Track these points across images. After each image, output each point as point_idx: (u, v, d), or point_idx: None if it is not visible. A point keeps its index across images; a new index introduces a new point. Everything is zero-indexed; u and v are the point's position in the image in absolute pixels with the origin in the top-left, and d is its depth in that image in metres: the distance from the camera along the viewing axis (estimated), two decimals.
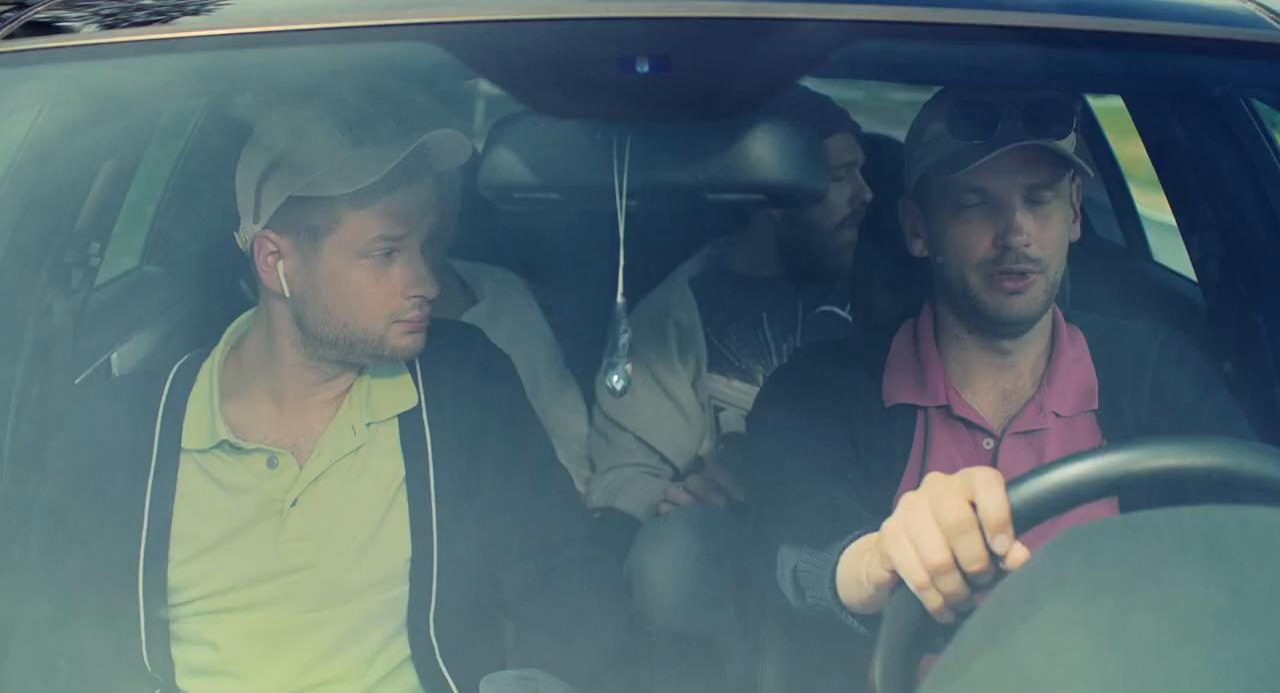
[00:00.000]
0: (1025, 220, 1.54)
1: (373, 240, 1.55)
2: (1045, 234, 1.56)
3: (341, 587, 1.59)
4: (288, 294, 1.57)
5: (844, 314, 2.22)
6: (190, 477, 1.60)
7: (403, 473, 1.62)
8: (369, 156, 1.52)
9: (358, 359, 1.61)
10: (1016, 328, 1.60)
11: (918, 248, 1.66)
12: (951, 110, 1.57)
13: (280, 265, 1.57)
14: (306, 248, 1.56)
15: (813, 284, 2.25)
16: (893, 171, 2.74)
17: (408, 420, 1.65)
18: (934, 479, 1.09)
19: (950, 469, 1.10)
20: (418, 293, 1.58)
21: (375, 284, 1.56)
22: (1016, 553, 1.02)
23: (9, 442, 1.69)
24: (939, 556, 1.04)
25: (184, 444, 1.61)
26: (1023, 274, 1.55)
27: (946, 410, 1.63)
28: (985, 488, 1.04)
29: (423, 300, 1.59)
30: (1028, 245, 1.54)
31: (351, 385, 1.64)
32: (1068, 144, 1.57)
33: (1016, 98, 1.56)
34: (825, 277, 2.22)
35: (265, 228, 1.56)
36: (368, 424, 1.63)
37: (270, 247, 1.57)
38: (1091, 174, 1.63)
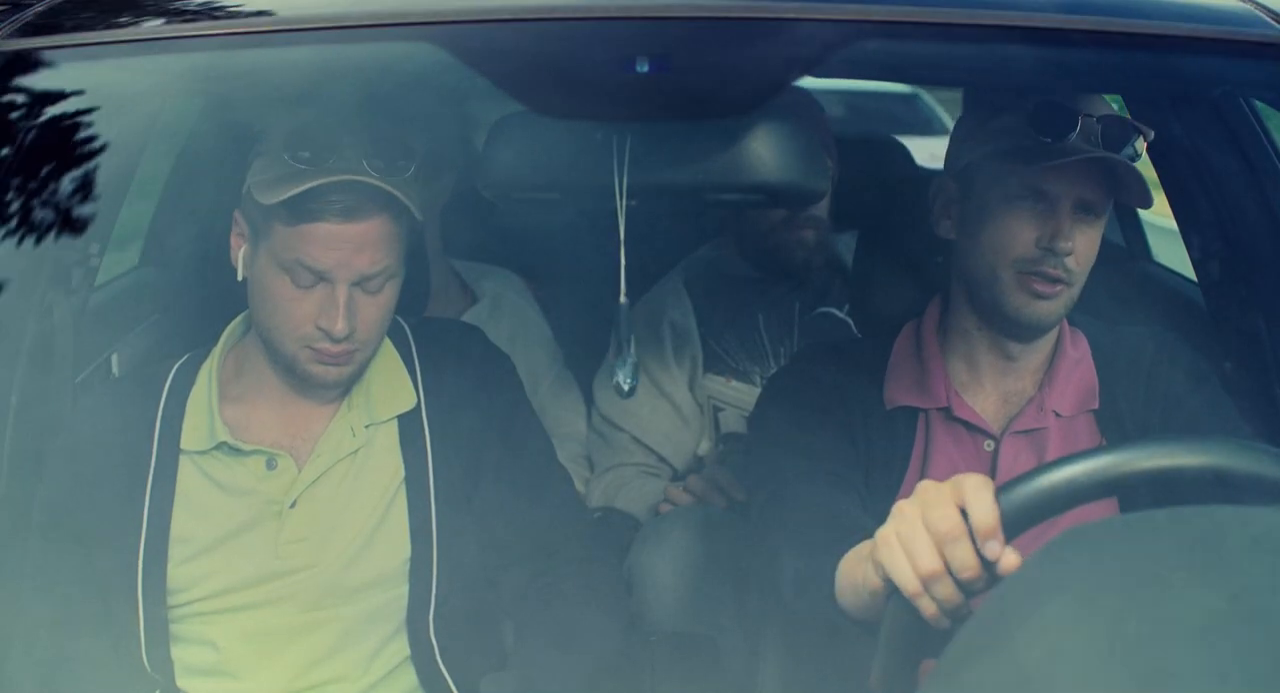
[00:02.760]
0: (1073, 230, 1.54)
1: (292, 260, 1.52)
2: (1084, 250, 1.56)
3: (341, 587, 1.59)
4: (240, 277, 1.59)
5: (842, 316, 2.22)
6: (189, 478, 1.60)
7: (402, 474, 1.62)
8: (298, 174, 1.50)
9: (284, 367, 1.59)
10: (1029, 332, 1.60)
11: (944, 229, 1.65)
12: (1035, 104, 1.55)
13: (241, 251, 1.59)
14: (252, 240, 1.57)
15: (808, 285, 2.25)
16: (891, 171, 2.75)
17: (407, 421, 1.64)
18: (925, 487, 1.10)
19: (951, 471, 1.11)
20: (322, 324, 1.53)
21: (290, 302, 1.54)
22: (1008, 559, 1.03)
23: (9, 442, 1.69)
24: (930, 563, 1.05)
25: (183, 446, 1.61)
26: (1055, 281, 1.55)
27: (947, 412, 1.63)
28: (974, 494, 1.04)
29: (326, 335, 1.53)
30: (1070, 255, 1.54)
31: (352, 386, 1.64)
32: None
33: (1093, 108, 1.55)
34: (789, 275, 2.23)
35: (240, 207, 1.58)
36: (367, 426, 1.63)
37: (237, 228, 1.59)
38: (1152, 202, 1.63)
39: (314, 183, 1.48)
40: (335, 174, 1.49)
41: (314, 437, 1.62)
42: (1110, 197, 1.57)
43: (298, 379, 1.60)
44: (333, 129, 1.53)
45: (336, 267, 1.52)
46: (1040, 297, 1.55)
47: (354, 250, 1.52)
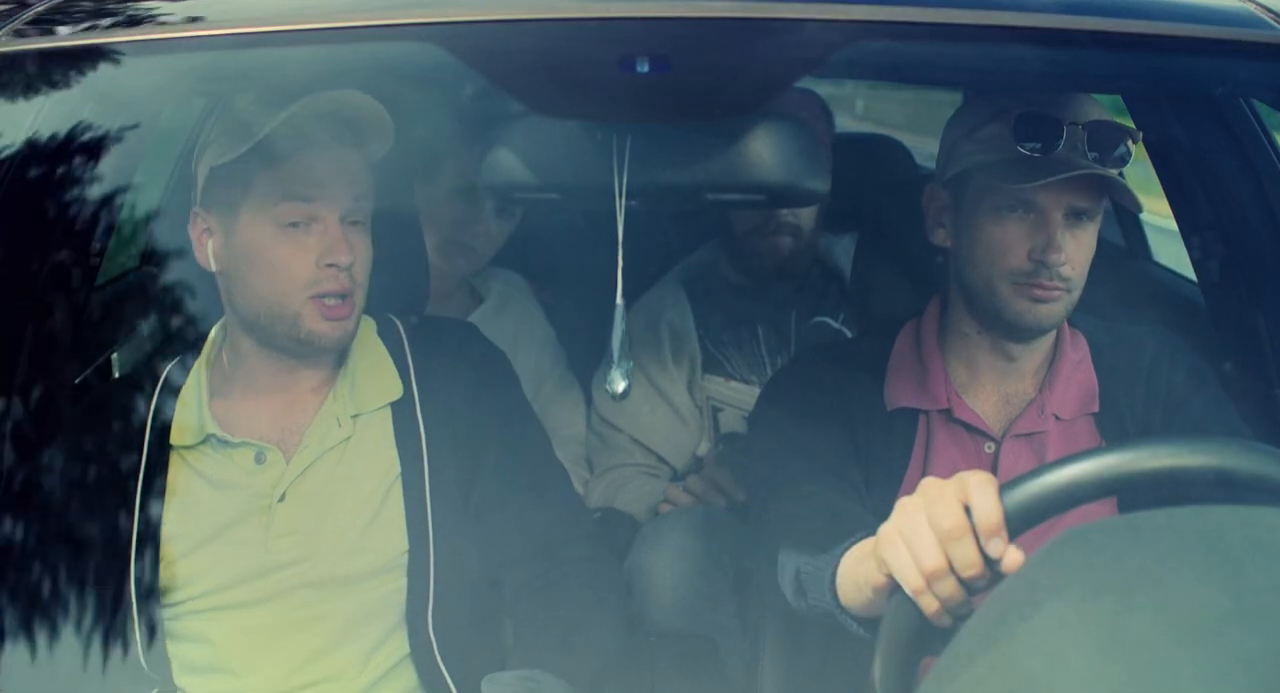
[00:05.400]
0: (1065, 240, 1.54)
1: (281, 201, 1.54)
2: (1079, 255, 1.56)
3: (334, 581, 1.59)
4: (215, 270, 1.59)
5: (837, 325, 2.23)
6: (180, 474, 1.60)
7: (397, 468, 1.62)
8: (270, 115, 1.53)
9: (281, 342, 1.60)
10: (1030, 335, 1.60)
11: (939, 237, 1.65)
12: (1018, 116, 1.55)
13: (210, 243, 1.58)
14: (229, 221, 1.57)
15: (805, 293, 2.25)
16: (891, 171, 2.74)
17: (400, 415, 1.64)
18: (929, 484, 1.10)
19: (951, 472, 1.11)
20: (330, 261, 1.55)
21: (291, 256, 1.55)
22: (1011, 557, 1.03)
23: (8, 442, 1.69)
24: (934, 561, 1.05)
25: (173, 441, 1.61)
26: (1051, 290, 1.55)
27: (947, 414, 1.63)
28: (978, 492, 1.04)
29: (337, 271, 1.56)
30: (1063, 265, 1.54)
31: (336, 378, 1.64)
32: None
33: (1080, 113, 1.55)
34: (770, 280, 2.23)
35: (198, 206, 1.58)
36: (353, 416, 1.63)
37: (202, 224, 1.59)
38: (1142, 208, 1.62)
39: (299, 103, 1.52)
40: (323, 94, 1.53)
41: (301, 429, 1.62)
42: (1102, 199, 1.57)
43: (300, 347, 1.59)
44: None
45: (325, 196, 1.55)
46: (1040, 301, 1.55)
47: (335, 176, 1.56)
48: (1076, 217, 1.55)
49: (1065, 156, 1.53)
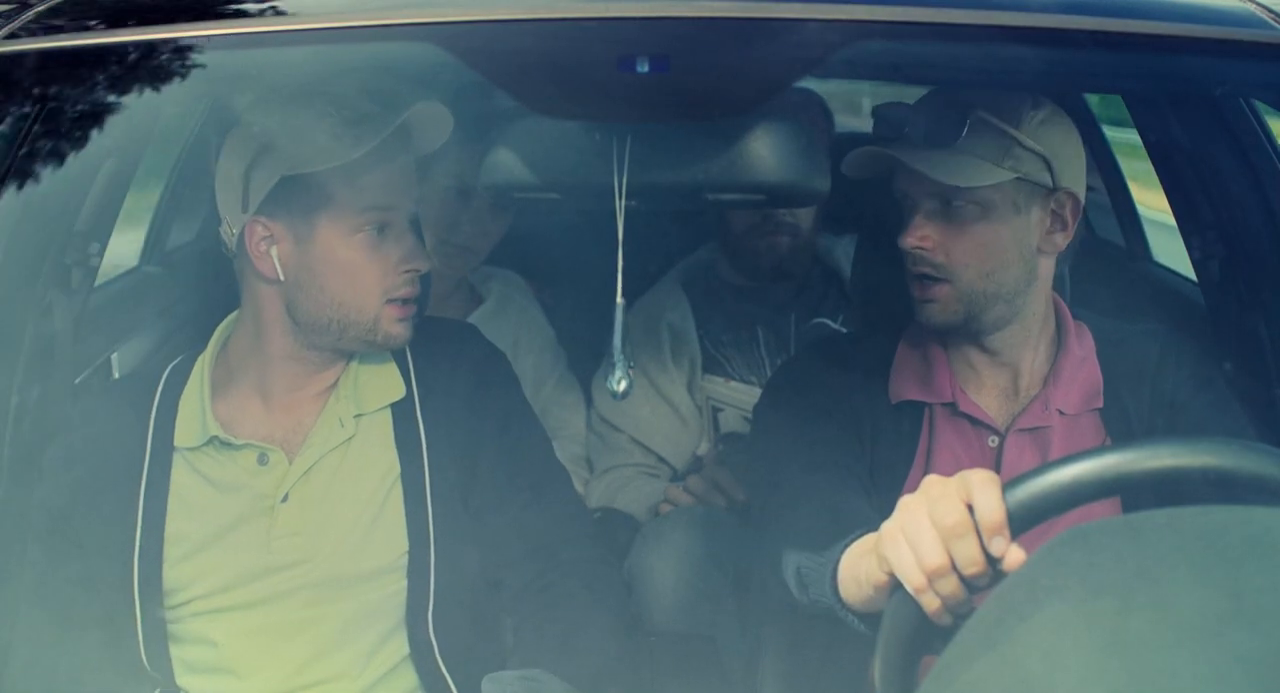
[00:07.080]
0: (926, 225, 1.53)
1: (364, 212, 1.55)
2: (956, 242, 1.54)
3: (336, 582, 1.59)
4: (282, 278, 1.57)
5: (836, 326, 2.23)
6: (183, 476, 1.60)
7: (398, 468, 1.62)
8: (358, 131, 1.53)
9: (349, 345, 1.61)
10: (950, 336, 1.61)
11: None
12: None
13: (274, 250, 1.57)
14: (300, 229, 1.56)
15: (805, 294, 2.25)
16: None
17: (401, 415, 1.65)
18: (931, 482, 1.09)
19: (954, 467, 1.11)
20: (410, 267, 1.58)
21: (369, 262, 1.57)
22: (1013, 555, 1.03)
23: (8, 443, 1.69)
24: (936, 559, 1.05)
25: (176, 443, 1.61)
26: (929, 281, 1.54)
27: (952, 408, 1.63)
28: (981, 490, 1.04)
29: (415, 275, 1.59)
30: (923, 250, 1.53)
31: (339, 379, 1.64)
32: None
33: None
34: (768, 279, 2.23)
35: (256, 214, 1.56)
36: (355, 416, 1.63)
37: (262, 232, 1.57)
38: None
39: (397, 122, 1.53)
40: (401, 113, 1.54)
41: (304, 430, 1.62)
42: (924, 184, 1.54)
43: (367, 349, 1.62)
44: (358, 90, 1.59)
45: (400, 203, 1.58)
46: (920, 300, 1.57)
47: (409, 184, 1.60)
48: (948, 201, 1.53)
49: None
